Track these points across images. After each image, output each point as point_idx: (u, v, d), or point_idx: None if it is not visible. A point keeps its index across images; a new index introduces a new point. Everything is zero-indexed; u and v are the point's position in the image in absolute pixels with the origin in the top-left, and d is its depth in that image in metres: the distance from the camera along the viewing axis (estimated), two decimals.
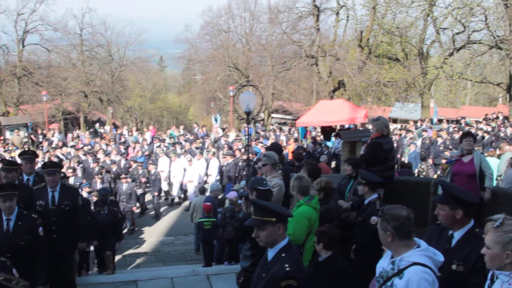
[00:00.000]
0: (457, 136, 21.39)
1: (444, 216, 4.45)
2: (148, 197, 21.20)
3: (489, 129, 24.32)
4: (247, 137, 17.46)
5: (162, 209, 20.78)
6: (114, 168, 21.00)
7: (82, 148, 24.66)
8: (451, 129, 24.52)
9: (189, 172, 21.08)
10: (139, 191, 19.23)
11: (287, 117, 50.88)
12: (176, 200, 22.00)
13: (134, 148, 26.08)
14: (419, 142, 22.74)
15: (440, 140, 21.61)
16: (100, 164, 20.56)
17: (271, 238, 4.42)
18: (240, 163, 20.60)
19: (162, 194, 22.18)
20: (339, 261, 5.96)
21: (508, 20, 33.13)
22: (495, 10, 34.53)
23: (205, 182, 21.08)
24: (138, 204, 19.32)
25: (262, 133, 30.00)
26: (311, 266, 6.23)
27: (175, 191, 21.81)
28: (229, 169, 20.77)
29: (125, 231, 17.88)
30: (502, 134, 22.54)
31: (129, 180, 18.32)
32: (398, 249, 3.97)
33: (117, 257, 14.73)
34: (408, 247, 3.94)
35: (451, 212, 4.39)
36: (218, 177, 21.29)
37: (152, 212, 20.33)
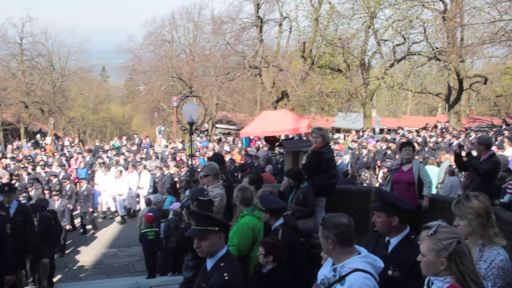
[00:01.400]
0: (384, 146, 22.15)
1: (381, 223, 4.54)
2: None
3: (420, 139, 24.85)
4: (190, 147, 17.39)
5: (102, 221, 20.43)
6: (54, 180, 20.36)
7: (21, 160, 24.11)
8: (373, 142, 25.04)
9: (118, 185, 20.75)
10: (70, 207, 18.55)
11: (231, 127, 51.00)
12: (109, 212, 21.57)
13: (76, 159, 25.58)
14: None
15: (364, 152, 21.99)
16: (31, 177, 20.08)
17: (212, 248, 4.42)
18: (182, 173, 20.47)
19: (103, 209, 21.71)
20: (284, 272, 5.97)
21: (446, 33, 34.01)
22: (433, 23, 35.43)
23: (137, 195, 20.94)
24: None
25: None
26: (254, 277, 6.22)
27: (109, 205, 21.39)
28: (164, 180, 20.49)
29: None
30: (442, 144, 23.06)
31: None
32: (340, 256, 4.02)
33: (59, 276, 14.41)
34: (349, 254, 4.00)
35: (388, 219, 4.48)
36: (151, 190, 20.94)
37: (89, 226, 19.81)
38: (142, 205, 20.06)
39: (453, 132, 26.16)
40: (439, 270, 3.29)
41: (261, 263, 5.99)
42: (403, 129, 30.12)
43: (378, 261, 4.02)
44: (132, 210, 21.26)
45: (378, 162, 20.96)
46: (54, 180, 19.91)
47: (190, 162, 16.50)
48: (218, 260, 4.42)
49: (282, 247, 6.00)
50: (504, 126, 31.30)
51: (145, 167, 21.99)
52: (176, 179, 20.42)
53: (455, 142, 22.05)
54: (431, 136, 24.78)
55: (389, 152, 21.14)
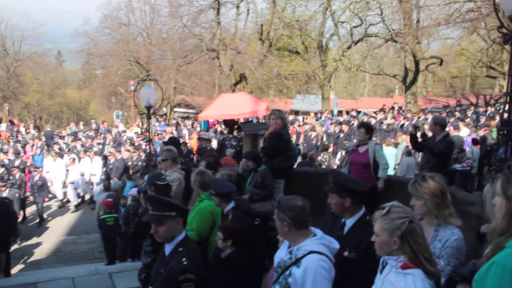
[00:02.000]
0: (337, 129, 22.50)
1: (335, 204, 4.57)
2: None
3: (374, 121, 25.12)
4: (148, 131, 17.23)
5: (58, 210, 20.18)
6: (1, 170, 19.56)
7: None
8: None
9: (71, 172, 20.45)
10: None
11: (190, 111, 50.66)
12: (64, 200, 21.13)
13: (32, 146, 25.09)
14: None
15: (313, 134, 22.18)
16: None
17: (170, 233, 4.41)
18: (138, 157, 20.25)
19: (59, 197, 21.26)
20: (244, 256, 5.98)
21: (402, 14, 34.36)
22: (390, 5, 35.82)
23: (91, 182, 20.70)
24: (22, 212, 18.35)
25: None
26: (213, 261, 6.22)
27: (58, 193, 20.96)
28: (117, 165, 20.08)
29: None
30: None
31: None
32: (295, 238, 4.06)
33: (19, 266, 14.20)
34: (305, 236, 4.04)
35: (340, 201, 4.50)
36: (103, 177, 20.64)
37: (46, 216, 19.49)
38: (96, 192, 19.86)
39: (404, 114, 26.54)
40: (392, 250, 3.33)
41: (220, 248, 5.99)
42: (357, 111, 30.41)
43: (333, 242, 4.07)
44: (88, 197, 20.97)
45: (331, 145, 21.15)
46: (1, 170, 19.26)
47: (148, 147, 16.34)
48: (176, 245, 4.41)
49: (241, 231, 6.00)
50: (456, 107, 31.80)
51: (96, 153, 21.66)
52: (129, 163, 20.18)
53: (406, 123, 22.33)
54: (385, 118, 25.01)
55: (341, 135, 21.31)
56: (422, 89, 42.45)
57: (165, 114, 44.34)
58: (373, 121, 23.60)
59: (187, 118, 43.26)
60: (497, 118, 19.10)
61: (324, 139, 22.69)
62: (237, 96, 26.71)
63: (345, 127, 22.04)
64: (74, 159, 20.55)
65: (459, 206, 5.77)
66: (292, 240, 4.10)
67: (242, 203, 7.13)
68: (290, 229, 4.04)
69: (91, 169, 20.74)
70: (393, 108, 31.58)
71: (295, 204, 4.07)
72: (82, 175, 20.49)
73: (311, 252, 3.93)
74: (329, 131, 23.10)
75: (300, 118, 33.98)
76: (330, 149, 20.86)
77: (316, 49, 39.74)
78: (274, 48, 39.76)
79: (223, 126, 25.12)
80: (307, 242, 4.00)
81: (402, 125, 22.33)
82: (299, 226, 4.03)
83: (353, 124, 23.03)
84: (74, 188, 20.42)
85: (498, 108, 24.34)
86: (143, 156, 19.64)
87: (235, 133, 22.35)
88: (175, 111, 47.56)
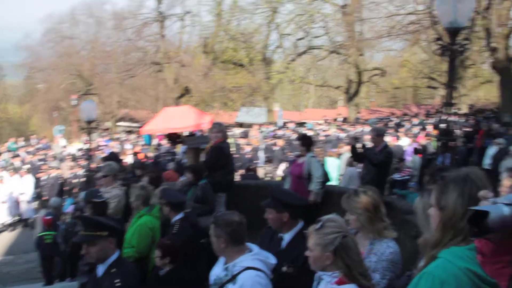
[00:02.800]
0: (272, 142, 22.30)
1: (272, 219, 4.51)
2: None
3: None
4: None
5: None
6: None
7: None
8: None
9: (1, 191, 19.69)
10: None
11: (134, 124, 50.13)
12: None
13: None
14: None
15: (247, 148, 22.23)
16: None
17: (102, 254, 4.29)
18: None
19: None
20: (183, 272, 5.86)
21: (345, 27, 34.94)
22: (334, 17, 36.42)
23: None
24: None
25: None
26: (151, 279, 6.08)
27: None
28: (53, 183, 19.52)
29: None
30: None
31: None
32: (232, 254, 3.99)
33: None
34: (241, 252, 3.97)
35: (278, 215, 4.45)
36: (35, 195, 20.00)
37: None
38: (26, 211, 19.29)
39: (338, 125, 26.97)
40: (326, 265, 3.28)
41: (158, 266, 5.86)
42: (301, 123, 30.64)
43: (270, 258, 4.01)
44: (20, 217, 20.31)
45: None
46: None
47: (88, 162, 16.06)
48: (109, 266, 4.30)
49: (180, 248, 5.89)
50: (395, 119, 32.42)
51: (28, 170, 20.97)
52: (65, 180, 19.68)
53: (342, 134, 22.61)
54: (323, 130, 25.33)
55: (275, 148, 21.37)
56: (365, 100, 43.15)
57: (108, 128, 43.75)
58: (313, 133, 23.81)
59: (131, 132, 42.76)
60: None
61: (259, 152, 22.65)
62: (181, 110, 26.44)
63: (280, 141, 22.14)
64: (1, 177, 19.85)
65: (398, 215, 5.80)
66: (228, 256, 4.03)
67: (191, 216, 7.03)
68: (227, 245, 3.97)
69: (20, 187, 19.89)
70: (336, 119, 31.98)
71: (232, 220, 4.01)
72: (12, 194, 19.76)
73: (247, 268, 3.86)
74: (266, 145, 23.06)
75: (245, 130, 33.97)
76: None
77: (260, 61, 40.04)
78: (219, 61, 39.89)
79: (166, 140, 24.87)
80: (243, 258, 3.93)
81: (338, 137, 22.62)
82: (236, 242, 3.97)
83: (290, 137, 23.23)
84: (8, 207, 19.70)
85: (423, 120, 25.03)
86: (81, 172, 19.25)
87: (178, 146, 22.18)
88: (118, 125, 47.00)
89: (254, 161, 20.52)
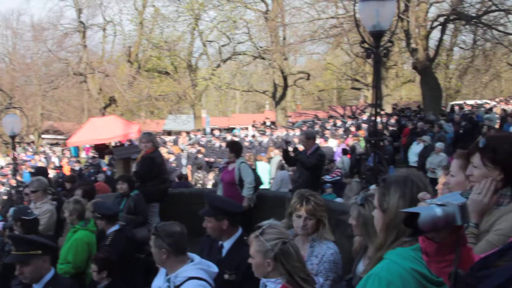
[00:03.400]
0: (194, 150, 22.37)
1: (211, 228, 4.48)
2: None
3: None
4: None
5: None
6: None
7: None
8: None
9: None
10: None
11: (59, 137, 49.02)
12: None
13: None
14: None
15: (172, 157, 22.07)
16: None
17: (36, 273, 4.15)
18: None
19: None
20: (120, 286, 5.78)
21: (268, 32, 35.26)
22: (257, 23, 36.67)
23: None
24: None
25: None
26: None
27: None
28: None
29: None
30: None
31: None
32: (173, 265, 3.92)
33: None
34: (183, 262, 3.91)
35: (217, 224, 4.43)
36: None
37: None
38: None
39: (260, 129, 27.18)
40: (268, 271, 3.30)
41: (95, 280, 5.76)
42: (229, 129, 30.66)
43: (212, 266, 3.98)
44: None
45: (189, 167, 21.07)
46: None
47: (14, 178, 15.55)
48: (44, 285, 4.18)
49: (115, 261, 5.80)
50: (327, 120, 32.96)
51: None
52: None
53: (265, 139, 22.85)
54: (253, 135, 25.44)
55: (199, 156, 21.33)
56: (291, 103, 43.62)
57: (32, 142, 42.62)
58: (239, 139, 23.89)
59: (57, 144, 41.77)
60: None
61: (182, 160, 22.51)
62: (107, 120, 26.19)
63: (201, 149, 22.12)
64: None
65: (333, 215, 5.89)
66: (170, 267, 3.95)
67: (127, 229, 6.93)
68: (168, 256, 3.89)
69: None
70: (264, 123, 32.18)
71: (174, 230, 3.94)
72: None
73: (189, 278, 3.80)
74: (188, 152, 22.90)
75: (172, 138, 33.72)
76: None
77: (185, 69, 39.89)
78: (143, 70, 39.57)
79: (93, 151, 24.46)
80: (185, 268, 3.87)
81: (260, 142, 22.86)
82: (178, 252, 3.90)
83: (214, 144, 23.31)
84: None
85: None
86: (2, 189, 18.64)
87: (105, 158, 21.83)
88: (43, 138, 45.86)
89: (177, 169, 20.40)
